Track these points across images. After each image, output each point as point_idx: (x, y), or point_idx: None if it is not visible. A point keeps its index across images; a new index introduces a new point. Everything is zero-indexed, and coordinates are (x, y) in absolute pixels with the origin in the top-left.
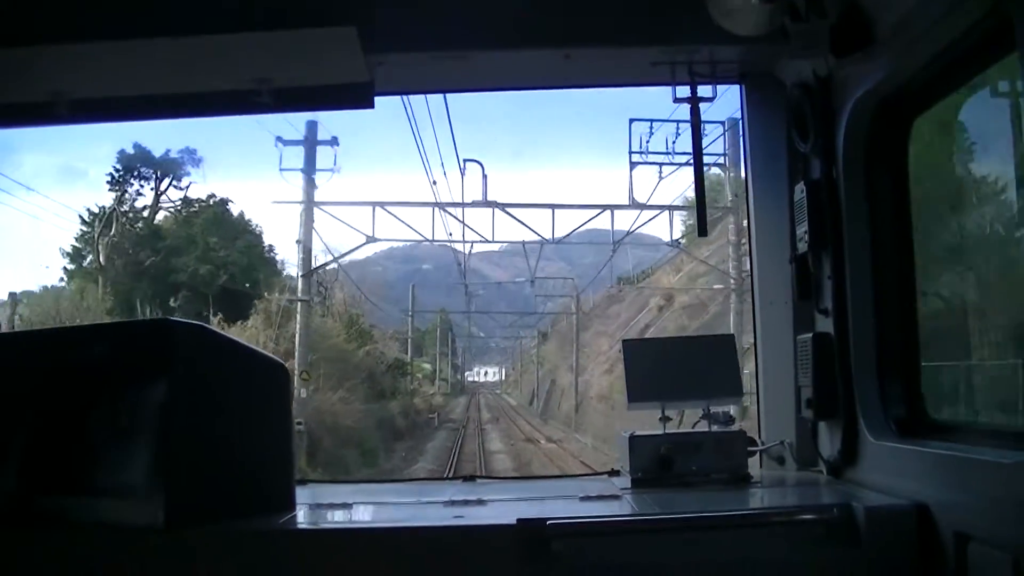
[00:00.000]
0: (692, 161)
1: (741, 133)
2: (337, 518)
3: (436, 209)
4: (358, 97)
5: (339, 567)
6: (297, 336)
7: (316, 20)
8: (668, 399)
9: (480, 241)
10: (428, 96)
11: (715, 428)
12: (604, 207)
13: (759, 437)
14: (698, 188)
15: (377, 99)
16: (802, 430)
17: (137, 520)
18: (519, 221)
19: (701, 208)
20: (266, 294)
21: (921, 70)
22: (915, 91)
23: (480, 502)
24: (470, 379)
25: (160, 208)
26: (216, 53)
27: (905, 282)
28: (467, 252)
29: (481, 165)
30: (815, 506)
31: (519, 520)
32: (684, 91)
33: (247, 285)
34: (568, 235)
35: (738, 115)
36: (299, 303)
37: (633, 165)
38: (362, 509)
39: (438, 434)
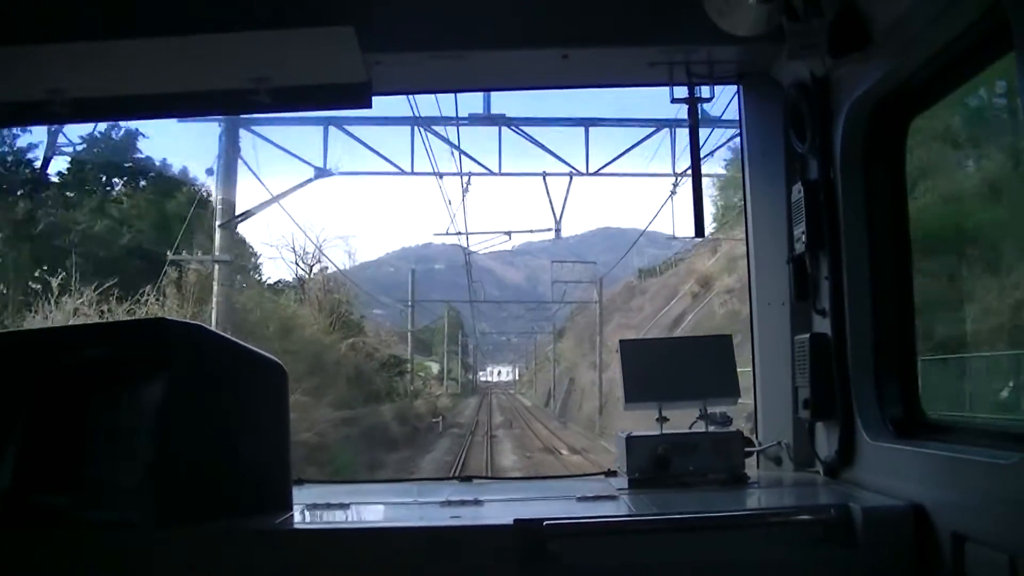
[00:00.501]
0: (690, 161)
1: (739, 133)
2: (334, 518)
3: (419, 132)
4: (355, 96)
5: (336, 567)
6: (214, 313)
7: (314, 19)
8: (665, 399)
9: (481, 174)
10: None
11: (712, 428)
12: (661, 123)
13: (756, 437)
14: (696, 188)
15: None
16: (799, 431)
17: (133, 519)
18: (538, 144)
19: (698, 208)
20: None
21: (918, 70)
22: (912, 91)
23: (477, 502)
24: (483, 379)
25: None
26: (214, 52)
27: (902, 282)
28: (465, 184)
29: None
30: (812, 507)
31: (516, 520)
32: (682, 92)
33: (169, 250)
34: (611, 162)
35: None
36: (216, 266)
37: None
38: (359, 509)
39: (440, 442)
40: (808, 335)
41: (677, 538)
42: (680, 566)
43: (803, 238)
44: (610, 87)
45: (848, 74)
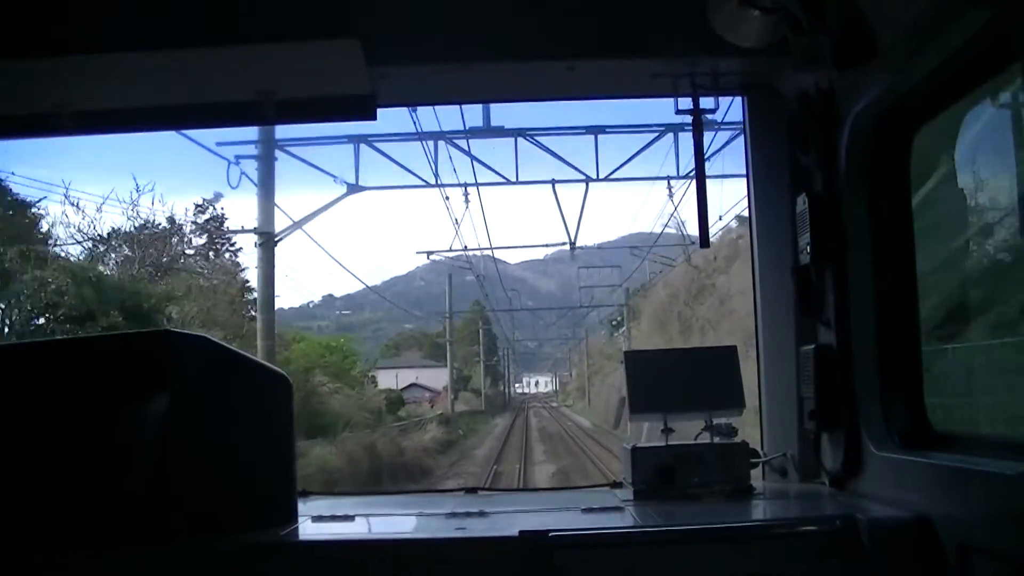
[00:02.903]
0: (695, 173)
1: (743, 145)
2: (339, 530)
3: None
4: (360, 109)
5: None
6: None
7: (319, 32)
8: (670, 411)
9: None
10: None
11: (717, 440)
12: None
13: (761, 449)
14: (700, 199)
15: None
16: (804, 442)
17: (138, 532)
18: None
19: (703, 219)
20: None
21: (923, 82)
22: (917, 103)
23: (482, 514)
24: (518, 390)
25: None
26: (220, 64)
27: (907, 293)
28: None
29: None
30: (817, 518)
31: (521, 532)
32: (687, 103)
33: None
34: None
35: None
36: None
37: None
38: (364, 521)
39: None
40: (813, 346)
41: (682, 550)
42: None
43: (808, 249)
44: (615, 98)
45: (852, 86)
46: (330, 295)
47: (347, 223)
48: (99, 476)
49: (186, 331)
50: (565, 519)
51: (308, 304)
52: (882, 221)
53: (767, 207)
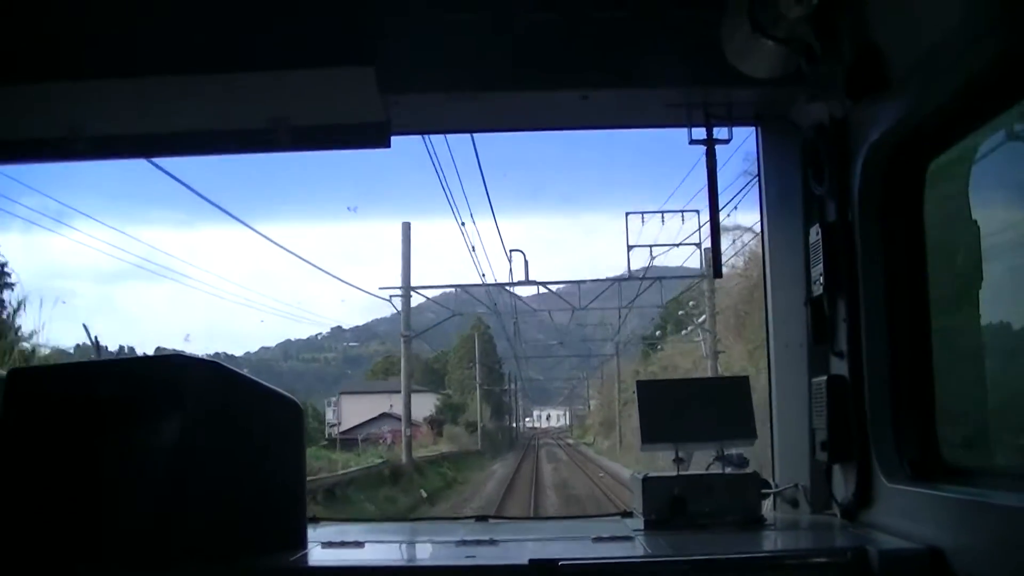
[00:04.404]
0: (708, 202)
1: (757, 175)
2: (348, 556)
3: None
4: (374, 137)
5: None
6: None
7: (333, 60)
8: (682, 440)
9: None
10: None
11: (729, 470)
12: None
13: (773, 479)
14: (714, 230)
15: (394, 139)
16: (816, 473)
17: (148, 557)
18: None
19: (716, 250)
20: None
21: (937, 112)
22: (931, 134)
23: (492, 542)
24: (528, 424)
25: None
26: (234, 91)
27: (920, 325)
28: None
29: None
30: (829, 549)
31: (531, 560)
32: (700, 133)
33: None
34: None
35: None
36: None
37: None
38: (373, 548)
39: None
40: (825, 377)
41: None
42: None
43: (821, 280)
44: (628, 128)
45: (866, 117)
46: (339, 327)
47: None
48: (108, 499)
49: (197, 356)
50: (575, 548)
51: (316, 336)
52: (896, 252)
53: (780, 237)
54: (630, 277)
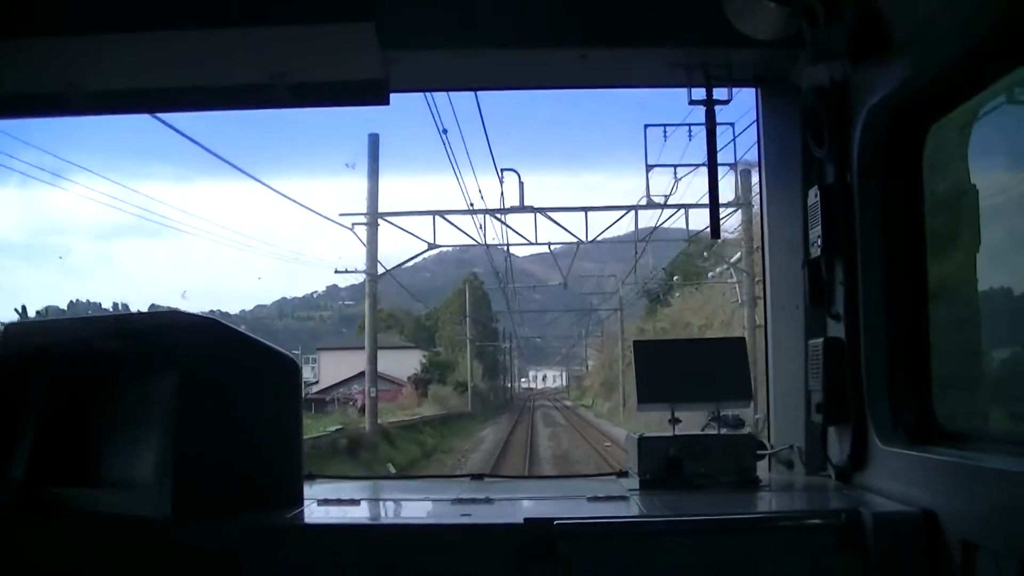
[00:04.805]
0: (707, 163)
1: (756, 137)
2: (344, 514)
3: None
4: (373, 94)
5: (345, 563)
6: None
7: (333, 15)
8: (678, 401)
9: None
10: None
11: (724, 431)
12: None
13: (768, 441)
14: (712, 190)
15: (393, 97)
16: (811, 435)
17: (144, 512)
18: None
19: (714, 210)
20: None
21: (938, 76)
22: (931, 97)
23: (488, 501)
24: (524, 385)
25: None
26: (231, 47)
27: (917, 288)
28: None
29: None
30: (823, 511)
31: (526, 519)
32: (700, 94)
33: None
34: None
35: None
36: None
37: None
38: (369, 505)
39: None
40: (822, 339)
41: (687, 540)
42: (689, 568)
43: (819, 242)
44: (627, 88)
45: (867, 79)
46: (335, 285)
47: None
48: (107, 456)
49: (193, 312)
50: (570, 507)
51: (312, 294)
52: (894, 215)
53: (779, 199)
54: (648, 205)
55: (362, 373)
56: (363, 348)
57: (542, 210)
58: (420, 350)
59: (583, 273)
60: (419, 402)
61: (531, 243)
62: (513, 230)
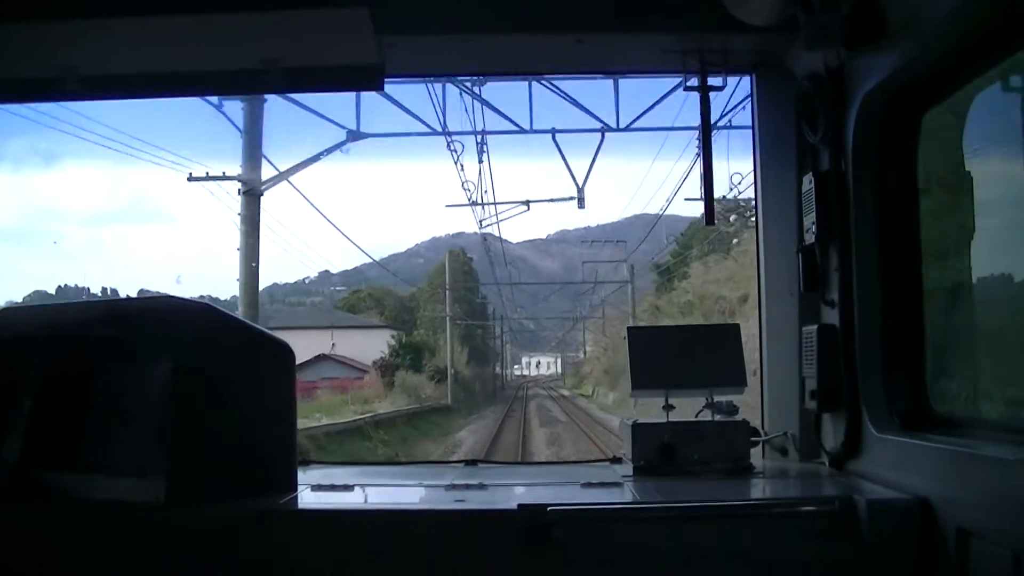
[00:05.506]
0: (700, 151)
1: (751, 123)
2: (338, 499)
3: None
4: (367, 79)
5: (339, 548)
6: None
7: (328, 0)
8: (672, 387)
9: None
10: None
11: (718, 417)
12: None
13: (762, 427)
14: (706, 177)
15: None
16: (805, 421)
17: (138, 496)
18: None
19: (709, 197)
20: None
21: (933, 63)
22: (927, 84)
23: (481, 486)
24: (517, 372)
25: None
26: (226, 31)
27: (912, 275)
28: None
29: None
30: (817, 498)
31: (520, 505)
32: (695, 80)
33: None
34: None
35: None
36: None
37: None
38: (363, 491)
39: None
40: (816, 326)
41: (681, 526)
42: (683, 554)
43: (813, 229)
44: (623, 74)
45: (862, 66)
46: (326, 271)
47: (346, 194)
48: (101, 440)
49: (186, 298)
50: (564, 493)
51: (304, 280)
52: (888, 202)
53: (773, 185)
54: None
55: (319, 356)
56: (322, 328)
57: (544, 78)
58: (388, 329)
59: (580, 259)
60: (385, 392)
61: (521, 130)
62: (494, 108)
